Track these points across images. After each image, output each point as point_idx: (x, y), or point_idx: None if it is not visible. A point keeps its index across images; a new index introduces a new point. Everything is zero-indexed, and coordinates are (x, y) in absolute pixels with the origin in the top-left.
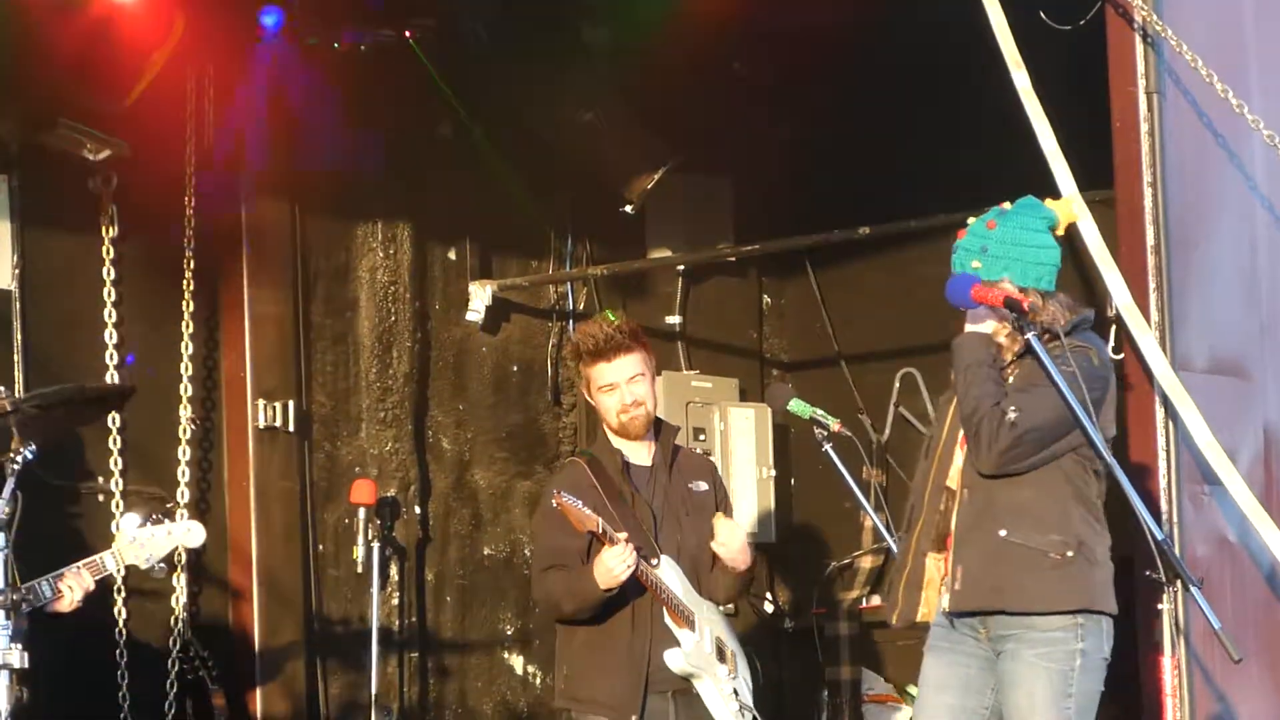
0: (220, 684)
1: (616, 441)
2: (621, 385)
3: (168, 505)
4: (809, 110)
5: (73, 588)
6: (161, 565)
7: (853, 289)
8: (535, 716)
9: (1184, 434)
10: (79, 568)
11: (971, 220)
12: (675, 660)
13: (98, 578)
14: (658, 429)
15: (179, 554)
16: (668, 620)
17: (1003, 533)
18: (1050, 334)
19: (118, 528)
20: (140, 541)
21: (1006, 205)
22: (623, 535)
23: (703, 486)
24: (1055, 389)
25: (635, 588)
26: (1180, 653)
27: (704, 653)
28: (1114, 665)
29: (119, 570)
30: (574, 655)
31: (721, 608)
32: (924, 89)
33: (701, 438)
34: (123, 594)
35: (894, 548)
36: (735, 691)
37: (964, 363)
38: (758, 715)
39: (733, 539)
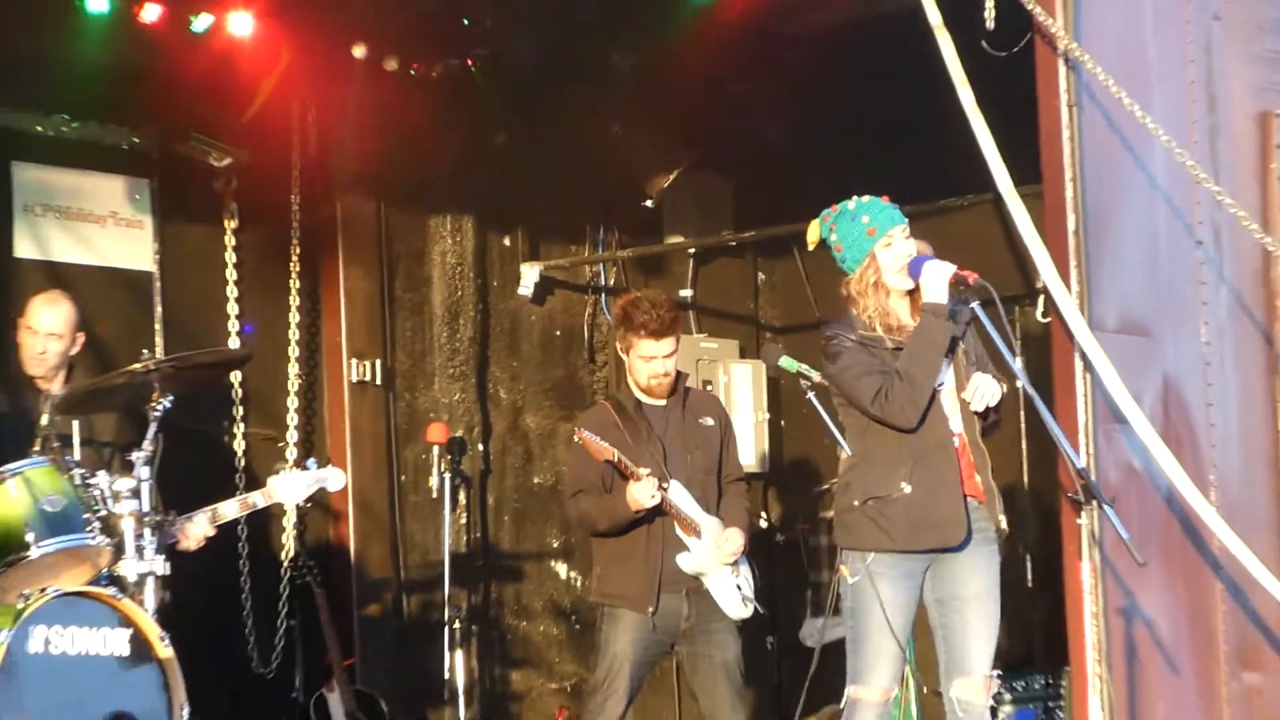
0: (323, 586)
1: (638, 392)
2: (659, 359)
3: (279, 444)
4: (795, 119)
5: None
6: (308, 502)
7: (830, 267)
8: (577, 611)
9: (1098, 381)
10: (235, 501)
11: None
12: (686, 562)
13: (249, 512)
14: (675, 379)
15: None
16: (678, 531)
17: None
18: (984, 296)
19: (275, 470)
20: (289, 483)
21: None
22: (645, 470)
23: (710, 422)
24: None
25: (652, 508)
26: (1096, 557)
27: (710, 557)
28: (1046, 566)
29: (270, 502)
30: (604, 561)
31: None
32: (889, 100)
33: (709, 387)
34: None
35: None
36: (739, 587)
37: (935, 345)
38: (758, 605)
39: (730, 548)
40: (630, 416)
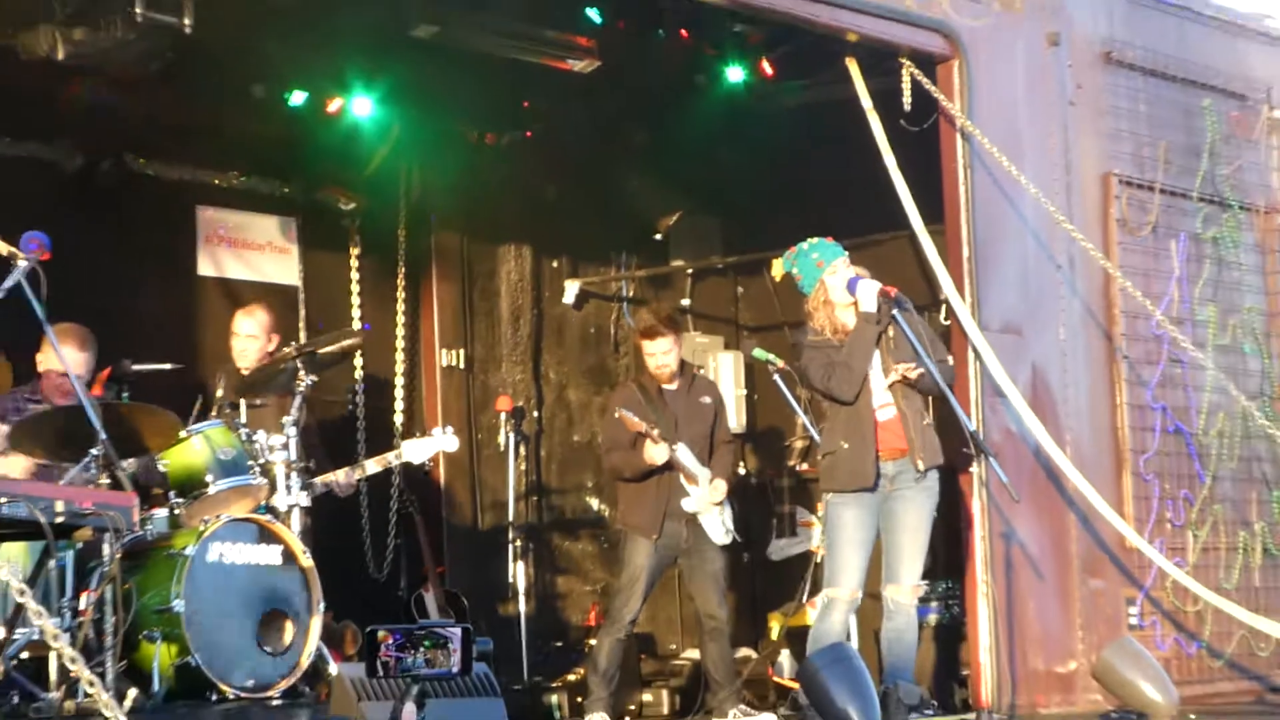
0: (421, 514)
1: (658, 380)
2: (658, 354)
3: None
4: (766, 174)
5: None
6: (429, 462)
7: (789, 284)
8: (604, 533)
9: (985, 367)
10: (375, 460)
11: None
12: (687, 504)
13: (384, 468)
14: (682, 368)
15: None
16: (682, 480)
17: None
18: (901, 306)
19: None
20: (417, 447)
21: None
22: (659, 433)
23: (707, 400)
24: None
25: (662, 463)
26: (984, 495)
27: (704, 500)
28: (946, 502)
29: (400, 461)
30: (625, 499)
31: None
32: (834, 160)
33: (701, 371)
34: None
35: (816, 437)
36: (723, 522)
37: (866, 340)
38: (737, 535)
39: (716, 493)
40: (651, 396)
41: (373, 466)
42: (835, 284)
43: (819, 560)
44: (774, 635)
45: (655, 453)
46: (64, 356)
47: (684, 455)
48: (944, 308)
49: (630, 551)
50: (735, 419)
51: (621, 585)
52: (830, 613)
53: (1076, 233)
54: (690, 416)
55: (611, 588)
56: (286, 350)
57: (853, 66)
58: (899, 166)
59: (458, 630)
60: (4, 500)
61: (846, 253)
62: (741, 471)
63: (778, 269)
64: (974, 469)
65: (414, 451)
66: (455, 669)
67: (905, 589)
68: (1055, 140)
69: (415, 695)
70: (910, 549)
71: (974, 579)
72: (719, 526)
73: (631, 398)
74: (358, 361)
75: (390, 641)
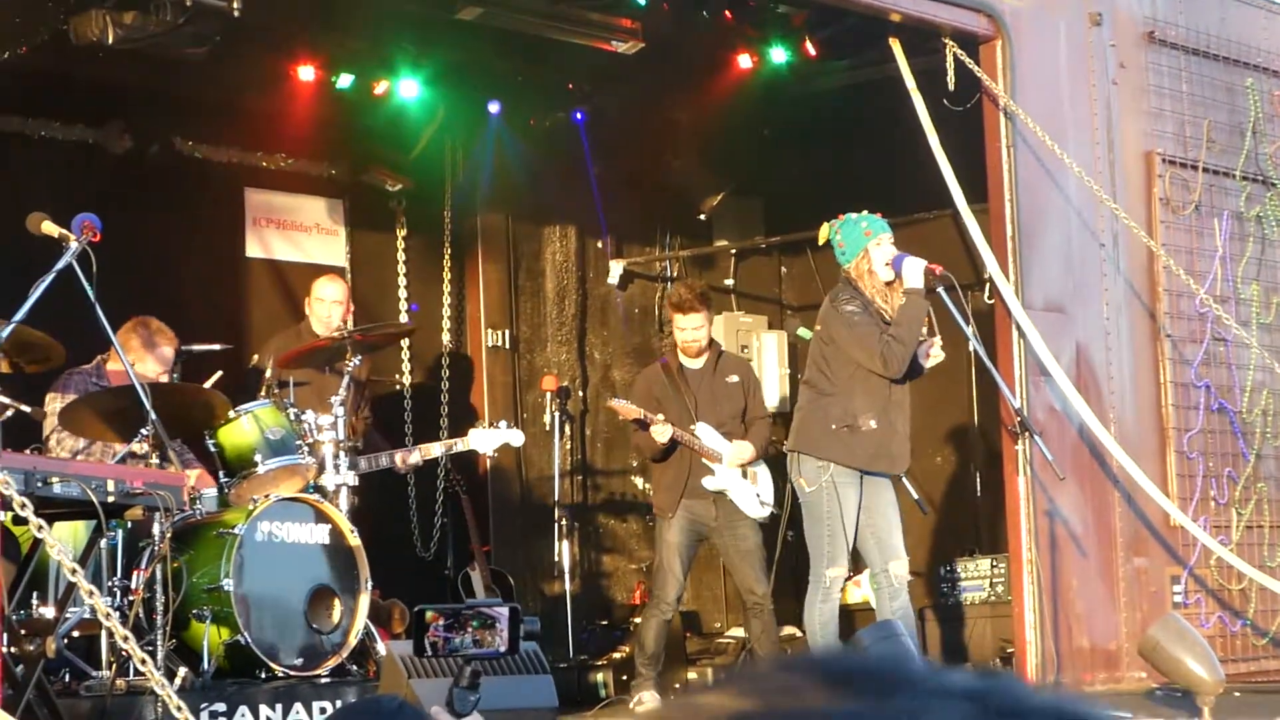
0: (467, 493)
1: (682, 356)
2: (689, 329)
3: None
4: (808, 155)
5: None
6: (494, 454)
7: (832, 264)
8: (649, 511)
9: (1030, 345)
10: (440, 444)
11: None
12: (710, 482)
13: (449, 453)
14: (710, 346)
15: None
16: (705, 459)
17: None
18: (948, 285)
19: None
20: (484, 437)
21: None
22: (660, 416)
23: (734, 379)
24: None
25: (677, 443)
26: (1028, 473)
27: (729, 477)
28: (989, 480)
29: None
30: (652, 480)
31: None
32: (877, 140)
33: (745, 350)
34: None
35: None
36: (758, 494)
37: (916, 316)
38: (775, 509)
39: (739, 456)
40: (673, 375)
41: (438, 449)
42: (880, 256)
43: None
44: None
45: (657, 433)
46: (160, 356)
47: (704, 434)
48: (988, 286)
49: (660, 532)
50: (776, 396)
51: (657, 567)
52: (832, 592)
53: (1120, 211)
54: (714, 396)
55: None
56: (336, 334)
57: (896, 47)
58: (942, 146)
59: (506, 610)
60: (56, 480)
61: (891, 230)
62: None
63: (824, 233)
64: (1019, 447)
65: (481, 441)
66: (503, 648)
67: (905, 562)
68: (1098, 119)
69: (469, 676)
70: (897, 524)
71: (1018, 557)
72: (752, 500)
73: (654, 376)
74: (405, 344)
75: (439, 621)
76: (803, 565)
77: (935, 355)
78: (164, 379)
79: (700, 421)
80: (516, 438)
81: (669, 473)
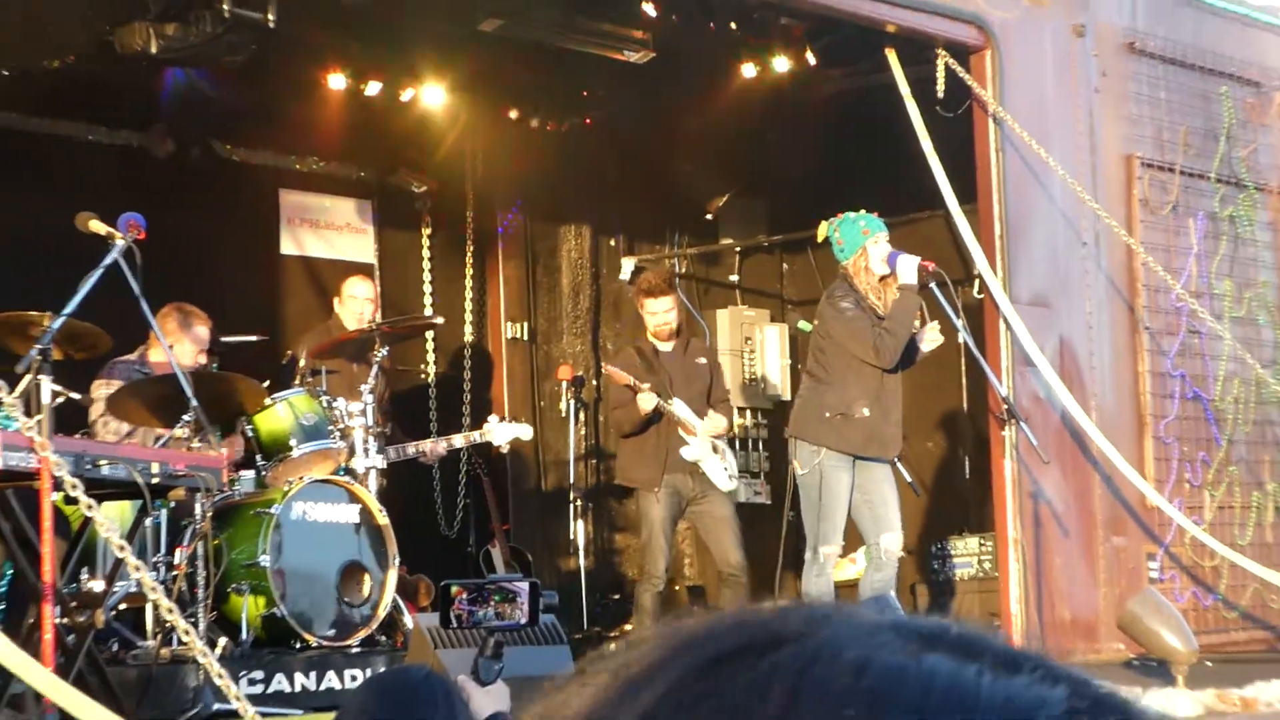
0: (488, 475)
1: (654, 339)
2: (660, 313)
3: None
4: (808, 159)
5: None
6: (506, 446)
7: (830, 261)
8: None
9: (1016, 337)
10: (462, 435)
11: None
12: (687, 453)
13: (468, 444)
14: (678, 331)
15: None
16: (681, 432)
17: None
18: (940, 281)
19: (487, 422)
20: (500, 429)
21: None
22: (646, 385)
23: (702, 361)
24: (950, 314)
25: (659, 418)
26: (1014, 457)
27: (703, 449)
28: (977, 464)
29: (482, 440)
30: (625, 455)
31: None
32: (873, 144)
33: (749, 342)
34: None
35: None
36: (725, 469)
37: (909, 310)
38: (746, 485)
39: (714, 428)
40: (648, 357)
41: (459, 441)
42: (876, 253)
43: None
44: None
45: (643, 400)
46: (195, 337)
47: (680, 409)
48: (977, 282)
49: (644, 507)
50: (779, 384)
51: (644, 542)
52: (826, 567)
53: (1101, 211)
54: (686, 376)
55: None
56: (365, 327)
57: (891, 56)
58: (934, 149)
59: (526, 585)
60: (105, 462)
61: (887, 230)
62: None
63: (823, 231)
64: (1005, 433)
65: (499, 433)
66: (523, 621)
67: (898, 536)
68: (1081, 125)
69: (492, 646)
70: (892, 501)
71: (1004, 536)
72: (721, 473)
73: (629, 359)
74: (429, 336)
75: (463, 596)
76: (804, 543)
77: (932, 339)
78: (202, 358)
79: (675, 398)
80: (526, 432)
81: (649, 447)
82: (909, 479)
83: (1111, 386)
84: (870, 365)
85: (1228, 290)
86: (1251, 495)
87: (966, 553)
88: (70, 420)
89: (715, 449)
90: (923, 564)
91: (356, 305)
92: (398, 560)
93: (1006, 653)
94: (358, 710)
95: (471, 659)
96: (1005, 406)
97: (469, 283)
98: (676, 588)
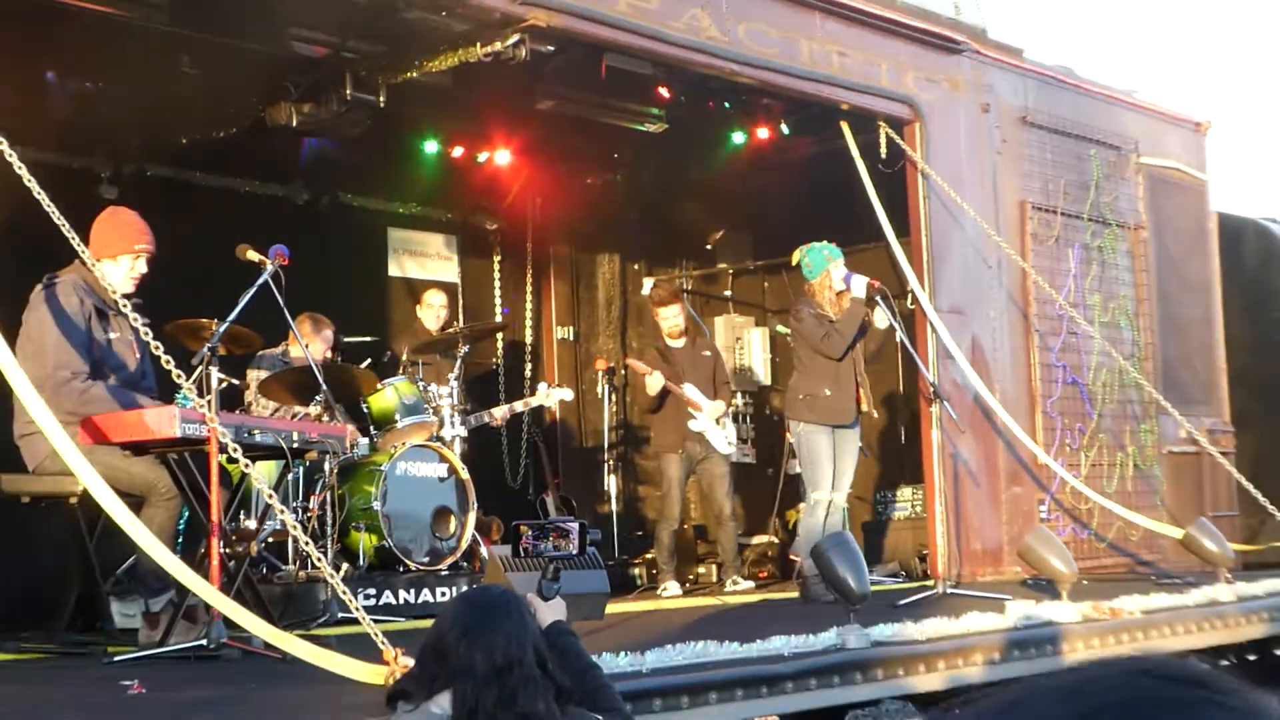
0: (543, 442)
1: (667, 339)
2: (670, 318)
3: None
4: (784, 203)
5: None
6: (555, 405)
7: (799, 282)
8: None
9: (939, 336)
10: (522, 402)
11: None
12: (694, 424)
13: (527, 408)
14: (686, 331)
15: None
16: (689, 409)
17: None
18: (883, 295)
19: (539, 387)
20: (546, 394)
21: (810, 247)
22: (655, 372)
23: (707, 354)
24: (895, 323)
25: (667, 397)
26: (938, 428)
27: (708, 422)
28: (910, 433)
29: (536, 404)
30: (656, 428)
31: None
32: (832, 193)
33: (739, 341)
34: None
35: None
36: (726, 438)
37: (856, 316)
38: (739, 449)
39: (716, 410)
40: (664, 354)
41: (520, 407)
42: (836, 274)
43: (788, 473)
44: (791, 525)
45: (650, 382)
46: (324, 337)
47: (690, 391)
48: (910, 295)
49: (664, 466)
50: (763, 374)
51: (664, 492)
52: (816, 510)
53: (1002, 243)
54: (694, 365)
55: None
56: (451, 329)
57: (845, 128)
58: (878, 197)
59: (576, 525)
60: (258, 432)
61: (843, 255)
62: (766, 411)
63: (795, 257)
64: (932, 409)
65: (550, 396)
66: (574, 551)
67: (845, 494)
68: (987, 178)
69: (552, 571)
70: (848, 466)
71: (932, 486)
72: (723, 440)
73: (652, 356)
74: (499, 336)
75: (529, 533)
76: (779, 494)
77: (881, 318)
78: (329, 354)
79: (686, 382)
80: (567, 395)
81: (669, 423)
82: (860, 444)
83: (1010, 374)
84: (824, 357)
85: (1097, 302)
86: (1116, 455)
87: (903, 499)
88: (232, 400)
89: (719, 422)
90: (871, 507)
91: (432, 312)
92: (476, 505)
93: None
94: (453, 618)
95: (535, 581)
96: (932, 389)
97: (529, 297)
98: (685, 526)
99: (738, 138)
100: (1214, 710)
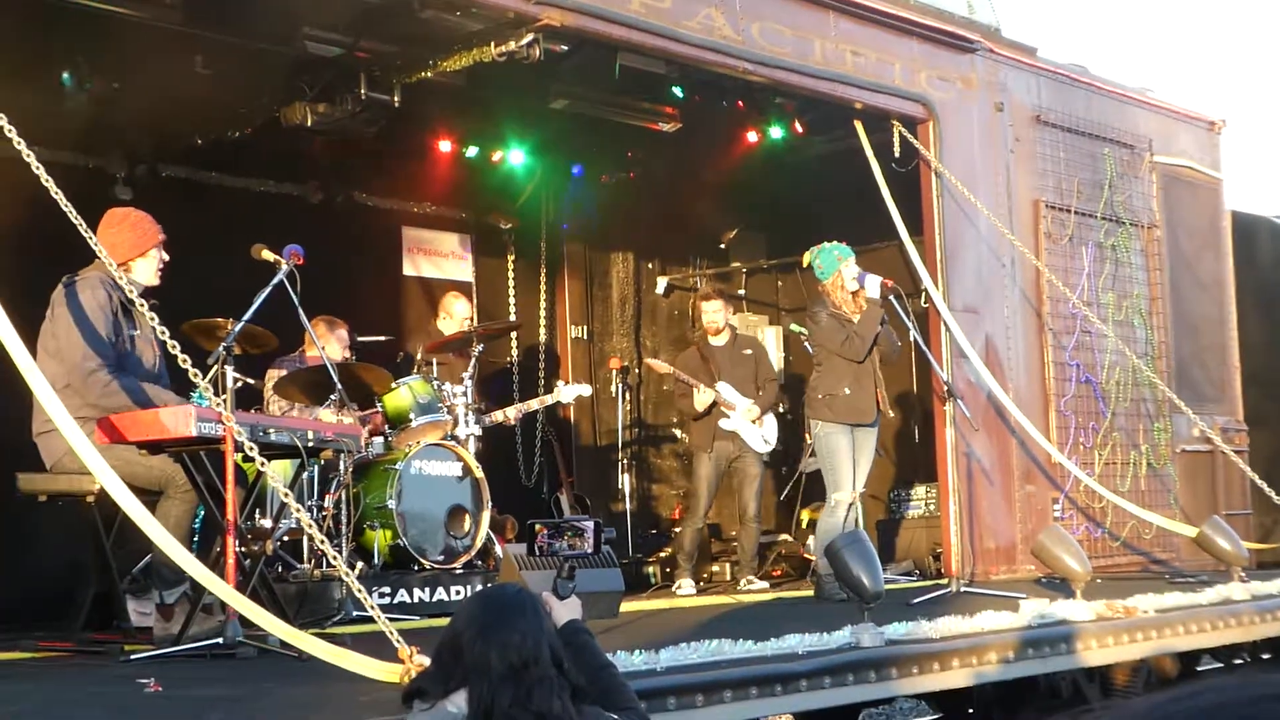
0: (557, 440)
1: (709, 336)
2: (710, 313)
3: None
4: (798, 203)
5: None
6: (572, 401)
7: (811, 281)
8: (686, 455)
9: (953, 335)
10: (536, 400)
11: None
12: (725, 424)
13: (543, 406)
14: (728, 328)
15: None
16: (723, 408)
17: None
18: (897, 294)
19: (556, 385)
20: (566, 390)
21: (820, 248)
22: (702, 386)
23: (748, 351)
24: (910, 327)
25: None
26: (952, 426)
27: (742, 421)
28: (924, 431)
29: (553, 400)
30: (691, 428)
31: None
32: (847, 192)
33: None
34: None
35: None
36: (763, 436)
37: (873, 318)
38: (773, 446)
39: (750, 412)
40: (703, 352)
41: (534, 404)
42: (848, 274)
43: (806, 472)
44: (804, 525)
45: (699, 400)
46: (339, 337)
47: (724, 390)
48: (923, 294)
49: (695, 465)
50: (776, 370)
51: (693, 491)
52: (837, 511)
53: (1016, 241)
54: (733, 363)
55: (689, 491)
56: (466, 326)
57: (859, 127)
58: (891, 196)
59: (591, 523)
60: (273, 430)
61: (854, 254)
62: (781, 409)
63: (807, 258)
64: (947, 407)
65: (566, 392)
66: (589, 550)
67: (856, 494)
68: (1000, 177)
69: (567, 569)
70: (865, 467)
71: (946, 484)
72: (758, 438)
73: (691, 356)
74: (513, 335)
75: (544, 531)
76: (795, 492)
77: (871, 289)
78: (345, 354)
79: (722, 381)
80: (586, 390)
81: (701, 421)
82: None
83: (1024, 372)
84: (844, 358)
85: (1111, 300)
86: (1130, 454)
87: (917, 497)
88: (247, 399)
89: (755, 420)
90: (886, 505)
91: (454, 321)
92: (490, 504)
93: None
94: (468, 616)
95: (549, 579)
96: (946, 388)
97: (542, 296)
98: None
99: (751, 137)
100: None
